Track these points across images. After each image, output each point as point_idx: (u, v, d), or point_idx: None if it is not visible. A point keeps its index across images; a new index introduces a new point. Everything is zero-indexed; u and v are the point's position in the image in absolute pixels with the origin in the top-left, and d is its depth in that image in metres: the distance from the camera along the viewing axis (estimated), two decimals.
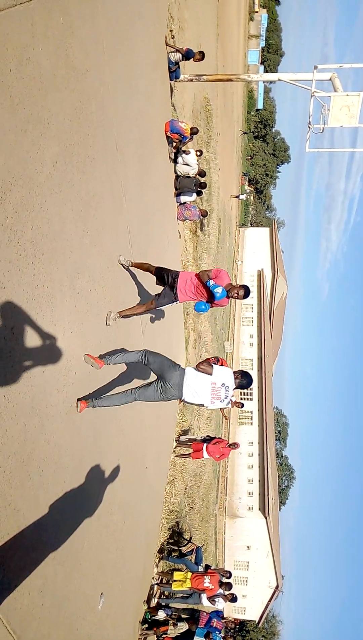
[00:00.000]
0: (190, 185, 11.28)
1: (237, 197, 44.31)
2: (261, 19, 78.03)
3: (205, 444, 10.55)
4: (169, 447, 10.88)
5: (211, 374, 4.59)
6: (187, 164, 10.85)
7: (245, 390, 37.60)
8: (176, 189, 11.02)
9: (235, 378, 4.76)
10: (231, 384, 4.70)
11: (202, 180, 11.70)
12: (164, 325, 9.00)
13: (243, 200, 55.05)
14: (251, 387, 5.10)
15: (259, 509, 32.49)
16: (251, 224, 73.75)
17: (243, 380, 4.79)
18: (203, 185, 11.89)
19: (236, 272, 46.19)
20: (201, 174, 11.51)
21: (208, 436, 11.45)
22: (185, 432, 12.35)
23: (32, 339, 3.33)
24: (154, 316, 7.84)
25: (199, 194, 12.07)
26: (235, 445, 10.80)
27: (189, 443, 11.19)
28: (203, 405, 4.69)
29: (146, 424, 7.73)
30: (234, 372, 4.82)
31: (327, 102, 9.61)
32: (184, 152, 10.67)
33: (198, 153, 11.22)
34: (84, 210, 4.36)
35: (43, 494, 3.51)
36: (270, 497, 32.20)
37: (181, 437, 11.72)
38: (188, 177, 11.22)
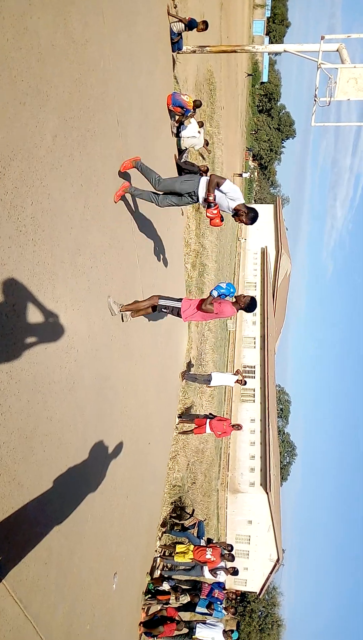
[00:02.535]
0: (191, 168, 11.10)
1: (240, 175, 43.03)
2: None
3: (208, 420, 10.65)
4: (172, 424, 10.98)
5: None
6: (192, 136, 10.61)
7: (247, 369, 37.85)
8: (177, 168, 10.84)
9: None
10: None
11: (204, 168, 11.50)
12: None
13: (247, 178, 53.85)
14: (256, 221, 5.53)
15: (260, 485, 32.99)
16: (255, 201, 72.87)
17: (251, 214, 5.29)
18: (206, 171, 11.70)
19: (240, 249, 45.88)
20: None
21: (210, 414, 11.55)
22: (188, 410, 12.45)
23: (34, 316, 3.32)
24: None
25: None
26: (238, 427, 10.88)
27: (192, 416, 11.30)
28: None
29: (149, 401, 7.79)
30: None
31: (334, 74, 9.39)
32: (185, 125, 10.46)
33: (200, 124, 10.93)
34: (85, 185, 4.30)
35: (47, 469, 3.55)
36: (271, 473, 32.66)
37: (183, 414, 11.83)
38: (191, 168, 11.01)
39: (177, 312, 5.48)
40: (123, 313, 5.46)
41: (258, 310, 42.82)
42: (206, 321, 5.88)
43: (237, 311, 5.43)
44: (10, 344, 3.03)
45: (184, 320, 5.54)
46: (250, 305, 5.33)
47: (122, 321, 5.46)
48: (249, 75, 60.73)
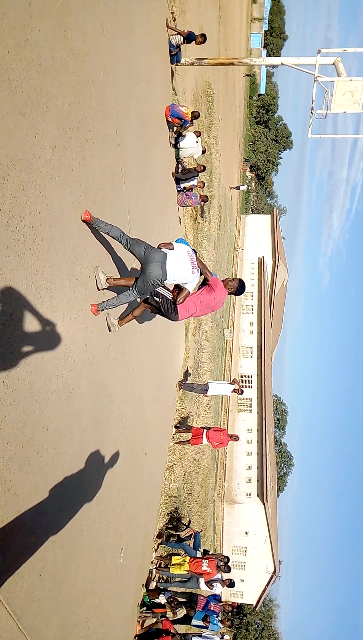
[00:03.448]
0: (189, 175, 11.21)
1: (237, 188, 42.14)
2: (265, 1, 76.63)
3: (205, 430, 10.61)
4: (168, 434, 10.94)
5: (173, 248, 4.89)
6: (191, 146, 10.67)
7: (244, 378, 37.80)
8: (176, 177, 10.91)
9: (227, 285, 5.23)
10: (192, 252, 5.09)
11: (200, 169, 11.60)
12: None
13: (244, 191, 53.51)
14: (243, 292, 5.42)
15: (257, 495, 32.75)
16: (252, 211, 73.31)
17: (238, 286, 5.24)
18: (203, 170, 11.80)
19: (237, 259, 46.02)
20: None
21: (207, 426, 11.51)
22: (184, 419, 12.41)
23: (31, 325, 3.32)
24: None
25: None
26: (235, 438, 10.84)
27: (188, 427, 11.26)
28: (185, 283, 4.94)
29: (146, 411, 7.76)
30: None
31: (330, 88, 9.48)
32: (183, 136, 10.54)
33: (197, 134, 11.01)
34: (84, 195, 4.33)
35: (42, 479, 3.53)
36: (268, 483, 32.46)
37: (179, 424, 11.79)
38: (190, 175, 11.12)
39: (169, 305, 5.09)
40: (110, 323, 5.24)
41: (255, 319, 42.92)
42: (201, 315, 5.65)
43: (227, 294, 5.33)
44: (7, 352, 3.02)
45: (181, 318, 5.18)
46: (239, 289, 5.24)
47: (110, 331, 5.27)
48: (247, 75, 60.92)
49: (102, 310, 4.88)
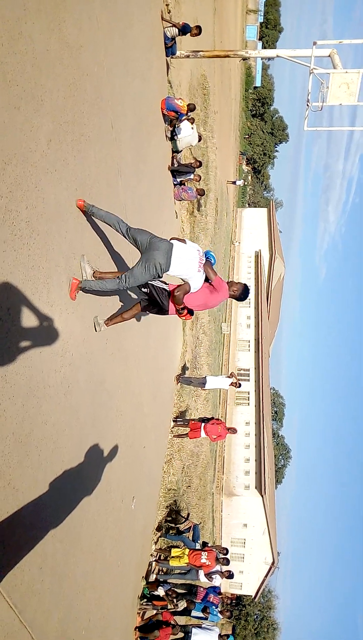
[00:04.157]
0: (186, 170, 11.18)
1: (234, 182, 41.57)
2: None
3: (203, 424, 10.65)
4: (167, 427, 10.97)
5: (185, 243, 4.60)
6: (188, 135, 10.60)
7: (242, 372, 37.89)
8: (173, 170, 10.87)
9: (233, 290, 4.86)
10: (203, 254, 4.74)
11: (196, 165, 11.56)
12: None
13: (240, 186, 52.97)
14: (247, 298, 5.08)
15: (255, 488, 32.92)
16: (248, 204, 73.19)
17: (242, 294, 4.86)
18: (199, 166, 11.77)
19: (234, 253, 46.00)
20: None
21: (205, 417, 11.54)
22: (183, 413, 12.45)
23: (28, 320, 3.32)
24: None
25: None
26: (232, 430, 10.90)
27: (186, 421, 11.29)
28: (188, 278, 4.53)
29: (144, 404, 7.78)
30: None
31: (326, 80, 9.44)
32: (179, 128, 10.47)
33: (191, 121, 10.88)
34: (80, 189, 4.31)
35: (42, 473, 3.54)
36: (266, 475, 32.63)
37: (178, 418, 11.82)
38: (186, 169, 11.09)
39: (163, 296, 4.85)
40: (97, 322, 4.92)
41: (252, 313, 42.94)
42: (199, 310, 5.29)
43: (228, 297, 4.95)
44: (5, 347, 3.02)
45: (170, 312, 4.84)
46: (242, 294, 4.87)
47: (95, 331, 4.91)
48: (243, 59, 60.38)
49: (83, 289, 4.39)
